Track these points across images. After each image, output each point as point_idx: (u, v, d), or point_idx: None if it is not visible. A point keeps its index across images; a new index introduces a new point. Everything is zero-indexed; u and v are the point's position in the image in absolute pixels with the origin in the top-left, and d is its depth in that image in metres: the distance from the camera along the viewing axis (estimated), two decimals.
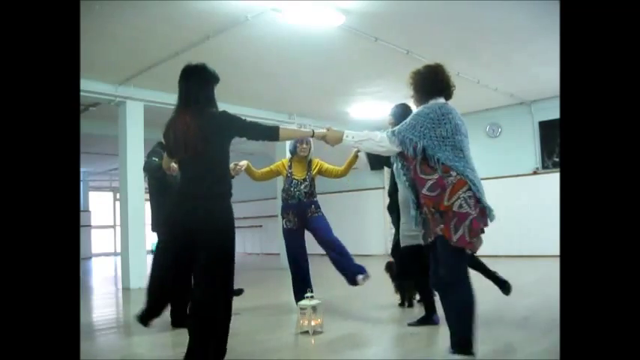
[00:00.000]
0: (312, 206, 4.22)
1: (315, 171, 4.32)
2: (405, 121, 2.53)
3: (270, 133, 2.55)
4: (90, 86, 6.00)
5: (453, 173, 2.38)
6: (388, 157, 3.34)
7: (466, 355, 2.32)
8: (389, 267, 4.54)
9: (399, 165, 2.66)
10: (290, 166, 4.30)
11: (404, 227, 3.50)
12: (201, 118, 2.42)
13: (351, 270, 4.04)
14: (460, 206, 2.35)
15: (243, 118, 2.54)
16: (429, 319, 3.52)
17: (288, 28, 4.78)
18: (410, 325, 3.54)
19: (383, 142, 2.50)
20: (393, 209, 3.76)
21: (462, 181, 2.37)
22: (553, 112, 7.87)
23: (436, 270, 2.47)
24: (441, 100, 2.58)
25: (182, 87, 2.55)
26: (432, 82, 2.59)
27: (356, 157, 3.96)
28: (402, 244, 3.52)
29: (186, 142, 2.40)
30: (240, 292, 4.09)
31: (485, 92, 7.48)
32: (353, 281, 4.02)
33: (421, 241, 2.74)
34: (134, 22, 4.53)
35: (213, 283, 2.37)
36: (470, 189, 2.37)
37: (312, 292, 3.63)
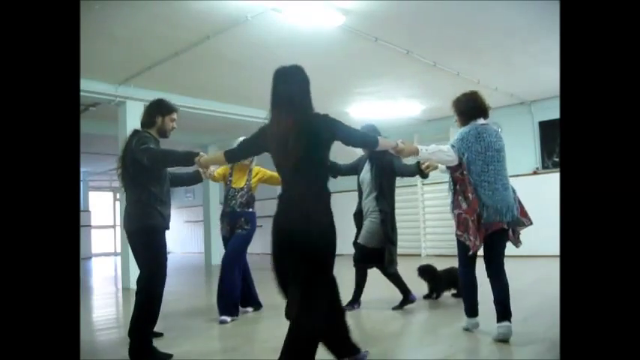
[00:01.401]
0: (242, 219, 4.20)
1: (255, 179, 4.28)
2: (456, 137, 3.18)
3: (369, 143, 2.65)
4: (90, 86, 6.00)
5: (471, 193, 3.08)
6: (352, 168, 4.33)
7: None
8: (423, 271, 4.72)
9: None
10: (230, 174, 4.24)
11: (363, 228, 4.19)
12: (308, 121, 2.37)
13: (223, 304, 4.04)
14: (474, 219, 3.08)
15: (343, 123, 2.50)
16: (407, 299, 4.24)
17: (288, 28, 4.78)
18: (394, 309, 4.18)
19: (450, 153, 3.09)
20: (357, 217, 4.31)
21: (475, 201, 3.07)
22: (553, 112, 7.86)
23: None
24: (481, 121, 3.26)
25: (281, 89, 2.45)
26: (472, 107, 3.27)
27: None
28: (363, 241, 4.17)
29: (296, 146, 2.30)
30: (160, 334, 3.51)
31: (485, 92, 7.43)
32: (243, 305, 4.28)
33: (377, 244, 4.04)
34: (134, 22, 4.53)
35: (317, 294, 2.32)
36: (481, 202, 3.07)
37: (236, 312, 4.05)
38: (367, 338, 3.43)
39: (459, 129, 3.28)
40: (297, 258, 2.30)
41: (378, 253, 4.10)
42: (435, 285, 4.69)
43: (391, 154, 3.10)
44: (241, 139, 3.94)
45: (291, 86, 2.43)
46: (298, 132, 2.32)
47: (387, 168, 4.11)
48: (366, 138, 2.65)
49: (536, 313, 3.79)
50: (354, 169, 4.34)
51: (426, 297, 4.66)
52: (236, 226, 4.18)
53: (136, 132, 3.11)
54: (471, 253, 3.10)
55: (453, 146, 3.11)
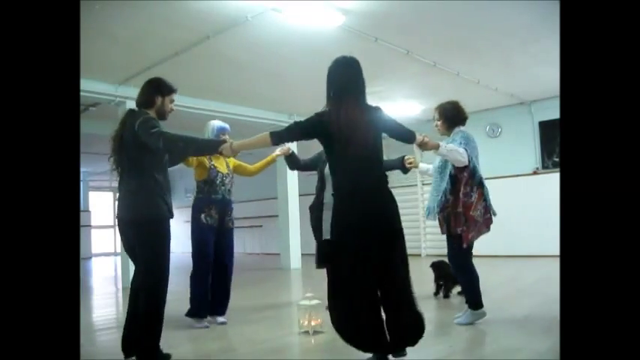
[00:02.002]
0: (232, 208, 3.96)
1: (232, 165, 4.06)
2: (460, 140, 3.38)
3: (409, 136, 2.74)
4: (90, 86, 6.00)
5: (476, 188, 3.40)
6: (312, 163, 4.14)
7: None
8: (437, 267, 4.75)
9: (440, 164, 3.49)
10: (209, 158, 3.85)
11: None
12: (369, 112, 2.49)
13: (217, 306, 3.88)
14: (478, 215, 3.40)
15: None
16: None
17: (288, 28, 4.78)
18: None
19: (464, 155, 3.30)
20: (320, 209, 4.03)
21: (480, 194, 3.41)
22: (553, 112, 7.87)
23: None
24: (462, 128, 3.55)
25: (349, 78, 2.53)
26: (457, 115, 3.55)
27: (274, 160, 4.07)
28: (327, 236, 3.96)
29: (369, 134, 2.43)
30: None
31: (485, 92, 7.48)
32: (212, 314, 3.86)
33: None
34: (134, 22, 4.53)
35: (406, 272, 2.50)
36: (485, 200, 3.45)
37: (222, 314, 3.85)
38: None
39: (440, 133, 3.62)
40: (391, 236, 2.42)
41: None
42: (446, 283, 4.69)
43: None
44: (215, 122, 3.91)
45: (357, 76, 2.55)
46: (368, 121, 2.44)
47: None
48: (406, 132, 2.72)
49: (536, 313, 3.79)
50: (314, 164, 4.19)
51: (436, 294, 4.71)
52: (226, 215, 3.89)
53: (134, 112, 2.84)
54: (466, 245, 3.38)
55: (465, 149, 3.31)
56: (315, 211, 4.09)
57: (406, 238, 2.56)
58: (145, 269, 2.72)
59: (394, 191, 2.57)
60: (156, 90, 2.91)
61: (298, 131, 2.54)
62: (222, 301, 3.91)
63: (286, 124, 8.22)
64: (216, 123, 3.97)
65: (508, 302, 4.35)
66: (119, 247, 7.25)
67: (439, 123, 3.58)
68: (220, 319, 3.88)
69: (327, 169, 4.16)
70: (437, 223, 3.55)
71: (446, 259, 3.93)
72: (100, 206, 15.29)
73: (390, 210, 2.45)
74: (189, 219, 3.86)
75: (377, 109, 2.55)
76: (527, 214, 8.08)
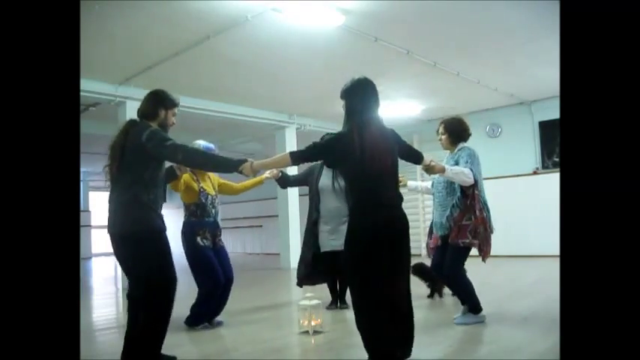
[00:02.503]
0: (220, 230, 3.98)
1: (217, 186, 4.06)
2: (470, 159, 3.46)
3: (418, 158, 2.84)
4: (90, 86, 6.00)
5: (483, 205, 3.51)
6: (302, 180, 4.41)
7: None
8: (420, 271, 4.73)
9: (445, 180, 3.51)
10: (197, 180, 3.83)
11: (330, 234, 4.17)
12: (387, 133, 2.60)
13: (217, 310, 3.91)
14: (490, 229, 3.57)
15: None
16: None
17: (288, 28, 4.78)
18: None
19: (470, 175, 3.36)
20: (315, 223, 4.26)
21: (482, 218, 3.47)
22: (553, 112, 7.87)
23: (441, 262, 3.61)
24: (464, 144, 3.64)
25: (367, 99, 2.63)
26: (463, 131, 3.64)
27: (261, 182, 4.11)
28: (327, 248, 4.15)
29: (392, 154, 2.56)
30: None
31: (485, 92, 7.48)
32: (210, 321, 3.88)
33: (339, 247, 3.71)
34: (134, 22, 4.53)
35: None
36: (485, 223, 3.49)
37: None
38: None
39: (444, 147, 3.70)
40: (405, 253, 2.56)
41: None
42: (434, 284, 4.72)
43: None
44: (200, 142, 3.84)
45: (376, 98, 2.67)
46: (388, 142, 2.56)
47: None
48: (415, 153, 2.85)
49: (536, 313, 3.79)
50: (303, 181, 4.41)
51: (430, 296, 4.72)
52: (217, 236, 3.92)
53: (136, 122, 2.76)
54: (485, 259, 3.63)
55: (471, 169, 3.39)
56: (311, 226, 4.25)
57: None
58: (137, 285, 2.68)
59: None
60: (160, 103, 2.85)
61: (317, 152, 2.59)
62: (221, 307, 3.96)
63: (286, 124, 8.31)
64: (202, 142, 3.88)
65: (508, 302, 4.35)
66: None
67: (444, 137, 3.65)
68: (218, 319, 3.91)
69: (320, 184, 4.28)
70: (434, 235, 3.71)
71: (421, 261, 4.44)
72: (100, 206, 15.26)
73: (407, 227, 2.58)
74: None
75: (392, 130, 2.65)
76: (527, 214, 8.08)
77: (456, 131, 3.61)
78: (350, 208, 2.62)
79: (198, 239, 3.76)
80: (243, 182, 4.13)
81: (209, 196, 3.86)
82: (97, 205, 15.05)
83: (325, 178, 4.30)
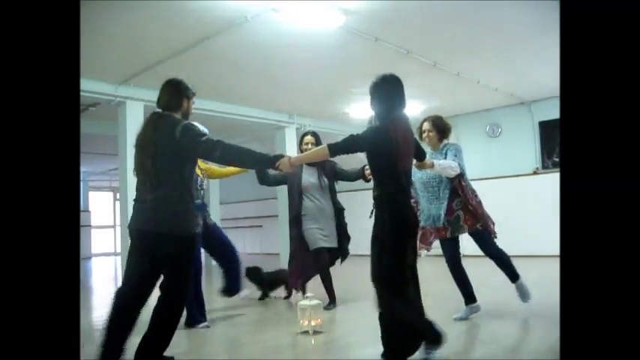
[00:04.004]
0: (208, 211, 3.99)
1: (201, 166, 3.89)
2: (458, 153, 3.64)
3: (423, 155, 3.08)
4: (90, 86, 5.99)
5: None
6: (283, 178, 4.40)
7: None
8: (251, 273, 4.88)
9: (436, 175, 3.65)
10: None
11: (319, 231, 4.30)
12: (410, 127, 2.75)
13: (236, 283, 4.11)
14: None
15: None
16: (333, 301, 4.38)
17: (288, 28, 4.77)
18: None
19: (456, 169, 3.51)
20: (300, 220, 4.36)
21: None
22: (553, 112, 7.86)
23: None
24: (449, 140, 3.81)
25: (398, 96, 2.77)
26: (448, 129, 3.80)
27: (245, 170, 4.06)
28: (318, 245, 4.28)
29: (412, 150, 2.76)
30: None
31: (485, 92, 7.48)
32: (231, 292, 4.11)
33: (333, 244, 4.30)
34: (134, 22, 4.53)
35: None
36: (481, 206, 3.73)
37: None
38: (366, 338, 3.43)
39: (431, 143, 3.78)
40: (415, 243, 2.77)
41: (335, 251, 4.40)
42: (262, 287, 4.91)
43: (331, 161, 3.86)
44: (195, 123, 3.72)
45: (404, 95, 2.81)
46: (413, 137, 2.78)
47: (331, 172, 4.40)
48: (422, 150, 3.06)
49: (536, 313, 3.78)
50: (282, 181, 4.45)
51: (261, 298, 4.90)
52: (206, 218, 3.88)
53: (162, 115, 2.62)
54: (495, 236, 3.75)
55: (458, 163, 3.56)
56: (296, 223, 4.31)
57: None
58: (181, 285, 2.58)
59: None
60: (183, 93, 2.76)
61: (356, 144, 2.62)
62: (236, 281, 4.11)
63: (286, 124, 8.28)
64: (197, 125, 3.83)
65: (508, 302, 4.35)
66: (119, 247, 7.25)
67: (432, 134, 3.76)
68: (244, 292, 4.05)
69: (304, 182, 4.32)
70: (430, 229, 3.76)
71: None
72: (100, 206, 15.28)
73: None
74: None
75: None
76: (527, 214, 8.08)
77: (442, 129, 3.76)
78: (377, 197, 2.68)
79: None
80: (227, 168, 4.02)
81: (197, 177, 3.68)
82: (97, 205, 15.08)
83: (309, 177, 4.34)
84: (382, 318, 2.55)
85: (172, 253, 2.51)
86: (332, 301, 4.32)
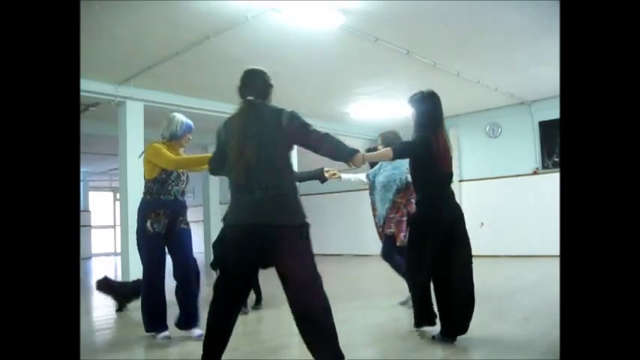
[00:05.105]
0: (185, 210, 3.53)
1: None
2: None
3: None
4: (90, 86, 5.99)
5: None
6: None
7: None
8: (102, 286, 4.82)
9: (384, 181, 4.35)
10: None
11: None
12: None
13: (189, 316, 3.41)
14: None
15: None
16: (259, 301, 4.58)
17: (288, 28, 4.78)
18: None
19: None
20: None
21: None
22: (553, 112, 7.86)
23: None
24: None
25: (440, 110, 3.25)
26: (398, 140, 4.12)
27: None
28: None
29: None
30: None
31: (485, 92, 7.48)
32: (184, 327, 3.43)
33: None
34: (134, 22, 4.53)
35: None
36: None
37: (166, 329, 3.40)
38: (366, 337, 3.44)
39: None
40: (464, 232, 3.18)
41: None
42: (117, 298, 4.83)
43: None
44: (182, 117, 3.41)
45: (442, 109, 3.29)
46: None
47: None
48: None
49: (536, 313, 3.79)
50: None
51: (119, 310, 4.79)
52: (178, 218, 3.46)
53: (264, 105, 2.52)
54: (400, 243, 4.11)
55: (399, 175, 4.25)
56: None
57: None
58: (312, 272, 2.36)
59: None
60: (271, 84, 2.66)
61: (411, 150, 3.18)
62: (185, 314, 3.44)
63: None
64: (184, 119, 3.53)
65: (508, 302, 4.35)
66: (119, 247, 7.23)
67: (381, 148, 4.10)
68: (197, 331, 3.36)
69: None
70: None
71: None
72: (100, 206, 15.29)
73: (462, 214, 3.25)
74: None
75: None
76: (527, 214, 8.09)
77: (392, 142, 3.93)
78: (418, 200, 3.23)
79: (148, 224, 3.33)
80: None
81: (173, 172, 3.40)
82: (97, 205, 15.09)
83: None
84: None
85: (301, 246, 2.34)
86: (257, 302, 4.50)
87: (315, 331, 2.34)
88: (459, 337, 3.07)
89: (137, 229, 3.40)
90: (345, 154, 2.47)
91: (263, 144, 2.34)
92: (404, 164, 4.15)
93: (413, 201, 3.84)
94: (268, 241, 2.29)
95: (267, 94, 2.58)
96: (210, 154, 2.86)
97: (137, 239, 3.43)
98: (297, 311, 2.37)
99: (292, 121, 2.42)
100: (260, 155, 2.32)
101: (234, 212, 2.40)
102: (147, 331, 3.47)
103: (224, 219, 2.62)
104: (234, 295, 2.46)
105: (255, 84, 2.58)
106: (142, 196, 3.46)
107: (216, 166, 2.64)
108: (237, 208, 2.38)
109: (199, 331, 3.30)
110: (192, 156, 3.51)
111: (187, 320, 3.41)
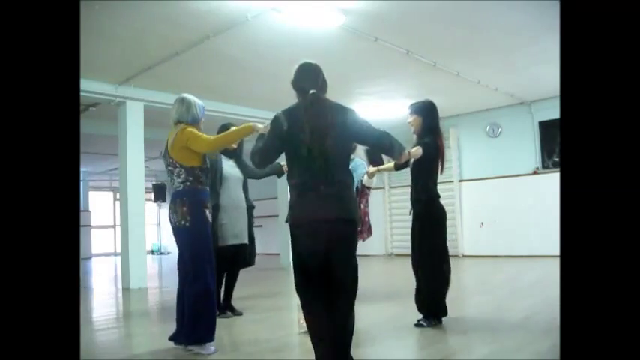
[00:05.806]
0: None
1: None
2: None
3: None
4: (90, 86, 6.00)
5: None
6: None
7: None
8: None
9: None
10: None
11: (231, 229, 3.99)
12: None
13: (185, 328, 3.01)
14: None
15: None
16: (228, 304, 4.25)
17: (288, 28, 4.78)
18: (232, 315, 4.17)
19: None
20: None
21: None
22: (553, 112, 7.87)
23: None
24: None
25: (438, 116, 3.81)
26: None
27: None
28: (225, 242, 3.95)
29: None
30: None
31: (485, 92, 7.48)
32: (176, 340, 3.08)
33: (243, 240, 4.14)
34: (134, 22, 4.53)
35: None
36: None
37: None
38: (365, 337, 3.43)
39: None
40: None
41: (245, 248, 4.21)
42: None
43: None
44: (194, 98, 3.21)
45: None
46: None
47: (245, 168, 4.26)
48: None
49: (536, 313, 3.79)
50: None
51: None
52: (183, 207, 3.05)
53: (327, 100, 2.51)
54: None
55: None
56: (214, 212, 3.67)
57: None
58: (355, 268, 2.35)
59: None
60: (325, 77, 2.62)
61: (436, 153, 3.63)
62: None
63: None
64: (198, 100, 3.28)
65: (508, 302, 4.35)
66: (119, 247, 7.25)
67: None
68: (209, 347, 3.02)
69: (225, 172, 3.97)
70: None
71: None
72: (100, 206, 15.29)
73: None
74: None
75: None
76: (527, 214, 8.09)
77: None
78: (424, 199, 3.55)
79: (207, 212, 3.03)
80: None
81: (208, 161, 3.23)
82: (97, 205, 15.08)
83: (229, 167, 4.09)
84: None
85: (352, 238, 2.39)
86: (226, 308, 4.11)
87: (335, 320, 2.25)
88: (458, 337, 3.07)
89: (193, 221, 2.94)
90: (400, 151, 2.58)
91: (334, 138, 2.33)
92: (361, 166, 4.48)
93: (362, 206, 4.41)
94: (335, 234, 2.28)
95: (326, 89, 2.55)
96: (242, 126, 2.96)
97: (195, 232, 2.95)
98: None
99: (355, 117, 2.48)
100: (333, 150, 2.32)
101: (299, 209, 2.34)
102: (196, 342, 2.98)
103: (288, 219, 2.44)
104: (319, 293, 2.28)
105: (315, 78, 2.54)
106: (180, 186, 2.99)
107: (268, 158, 2.53)
108: (303, 204, 2.33)
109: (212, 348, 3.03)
110: (226, 133, 3.22)
111: (184, 333, 3.04)
